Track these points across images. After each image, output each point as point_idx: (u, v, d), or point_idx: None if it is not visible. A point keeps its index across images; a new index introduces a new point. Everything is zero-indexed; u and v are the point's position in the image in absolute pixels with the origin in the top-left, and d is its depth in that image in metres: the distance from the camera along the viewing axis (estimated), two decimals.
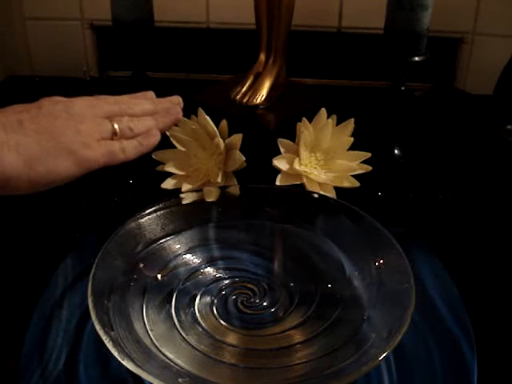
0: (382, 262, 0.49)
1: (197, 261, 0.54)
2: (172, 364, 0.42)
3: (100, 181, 0.67)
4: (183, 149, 0.62)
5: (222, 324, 0.48)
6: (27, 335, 0.47)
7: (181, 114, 0.50)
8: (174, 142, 0.62)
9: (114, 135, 0.45)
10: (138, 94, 0.50)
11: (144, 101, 0.49)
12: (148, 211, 0.54)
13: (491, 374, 0.44)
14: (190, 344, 0.45)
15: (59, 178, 0.41)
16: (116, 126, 0.45)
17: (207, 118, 0.61)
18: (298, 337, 0.46)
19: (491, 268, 0.55)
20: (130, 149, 0.45)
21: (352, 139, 0.62)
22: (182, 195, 0.57)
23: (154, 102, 0.50)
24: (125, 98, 0.49)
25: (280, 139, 0.62)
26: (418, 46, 0.67)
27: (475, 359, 0.45)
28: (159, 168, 0.63)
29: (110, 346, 0.40)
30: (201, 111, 0.61)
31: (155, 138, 0.47)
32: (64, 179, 0.41)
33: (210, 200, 0.57)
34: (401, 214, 0.63)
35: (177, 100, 0.51)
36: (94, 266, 0.47)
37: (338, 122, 0.63)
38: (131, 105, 0.48)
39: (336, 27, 0.86)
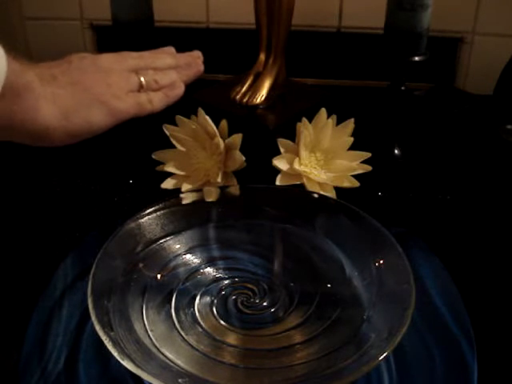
0: (382, 262, 0.49)
1: (197, 261, 0.54)
2: (172, 364, 0.42)
3: (100, 181, 0.67)
4: (183, 149, 0.62)
5: (221, 324, 0.48)
6: (27, 335, 0.47)
7: (202, 66, 0.52)
8: (174, 141, 0.62)
9: (140, 88, 0.46)
10: (159, 50, 0.52)
11: (166, 55, 0.51)
12: (148, 211, 0.54)
13: (491, 374, 0.44)
14: (190, 344, 0.45)
15: (93, 128, 0.42)
16: (142, 78, 0.47)
17: (207, 117, 0.61)
18: (297, 337, 0.46)
19: (491, 268, 0.55)
20: (156, 100, 0.47)
21: (352, 139, 0.62)
22: (182, 195, 0.57)
23: (175, 57, 0.51)
24: (147, 53, 0.50)
25: (280, 139, 0.62)
26: (417, 45, 0.67)
27: (475, 359, 0.45)
28: (159, 168, 0.63)
29: (109, 346, 0.40)
30: (201, 111, 0.61)
31: (180, 90, 0.49)
32: (97, 130, 0.43)
33: (210, 200, 0.57)
34: (401, 213, 0.63)
35: (197, 54, 0.53)
36: (94, 265, 0.47)
37: (338, 122, 0.62)
38: (154, 59, 0.49)
39: (336, 27, 0.86)
